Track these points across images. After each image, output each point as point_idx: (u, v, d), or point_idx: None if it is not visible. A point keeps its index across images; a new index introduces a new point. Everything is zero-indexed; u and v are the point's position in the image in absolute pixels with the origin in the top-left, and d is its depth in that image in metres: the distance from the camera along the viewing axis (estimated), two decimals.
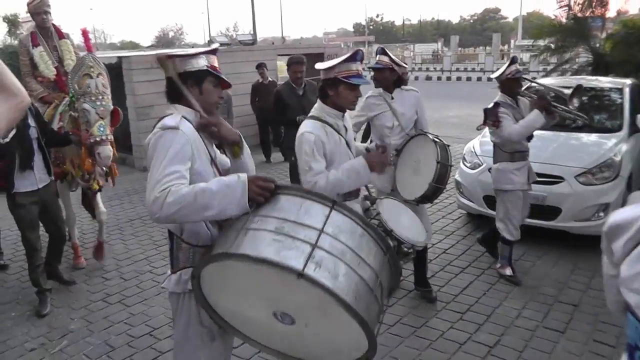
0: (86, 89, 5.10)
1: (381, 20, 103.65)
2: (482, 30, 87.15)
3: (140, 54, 12.38)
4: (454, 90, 28.01)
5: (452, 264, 6.01)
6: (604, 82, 8.65)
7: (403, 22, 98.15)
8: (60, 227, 5.44)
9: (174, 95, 2.58)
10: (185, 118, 2.49)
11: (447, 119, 16.81)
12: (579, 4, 12.29)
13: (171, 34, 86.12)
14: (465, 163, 7.16)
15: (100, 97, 5.14)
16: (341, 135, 3.49)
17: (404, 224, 3.26)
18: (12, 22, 46.71)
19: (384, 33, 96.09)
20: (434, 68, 43.47)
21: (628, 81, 8.18)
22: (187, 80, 2.53)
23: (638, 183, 6.94)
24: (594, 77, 9.65)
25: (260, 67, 10.94)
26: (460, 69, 41.81)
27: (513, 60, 5.44)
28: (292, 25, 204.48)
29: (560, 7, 12.83)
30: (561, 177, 6.20)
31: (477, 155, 6.95)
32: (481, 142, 7.26)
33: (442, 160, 4.27)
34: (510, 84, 5.33)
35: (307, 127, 3.39)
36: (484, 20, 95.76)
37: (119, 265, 6.22)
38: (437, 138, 4.45)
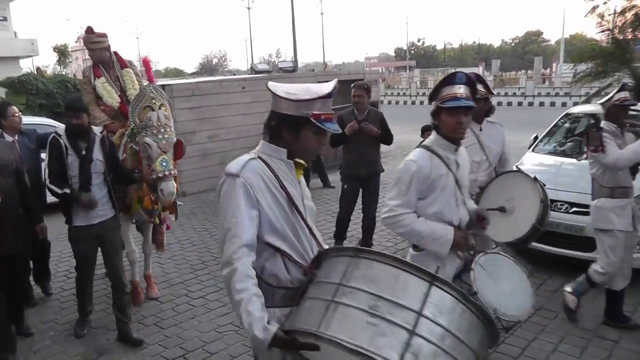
0: (147, 122, 4.84)
1: (422, 44, 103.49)
2: (523, 53, 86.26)
3: (183, 82, 12.68)
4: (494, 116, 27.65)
5: None
6: None
7: (444, 46, 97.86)
8: (119, 277, 5.06)
9: (271, 132, 2.47)
10: (261, 158, 2.41)
11: None
12: (619, 27, 12.04)
13: (215, 60, 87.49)
14: None
15: (163, 130, 4.87)
16: (450, 170, 3.20)
17: (505, 288, 2.97)
18: (62, 52, 48.19)
19: (425, 57, 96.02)
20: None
21: None
22: (285, 123, 2.39)
23: None
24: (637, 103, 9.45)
25: None
26: (501, 93, 41.45)
27: (623, 87, 5.06)
28: (334, 50, 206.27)
29: (602, 30, 12.61)
30: None
31: None
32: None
33: (545, 200, 4.09)
34: (616, 112, 4.97)
35: (413, 155, 3.22)
36: (525, 43, 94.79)
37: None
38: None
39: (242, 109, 11.96)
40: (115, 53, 6.18)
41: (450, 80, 3.14)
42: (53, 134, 4.85)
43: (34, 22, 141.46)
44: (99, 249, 5.05)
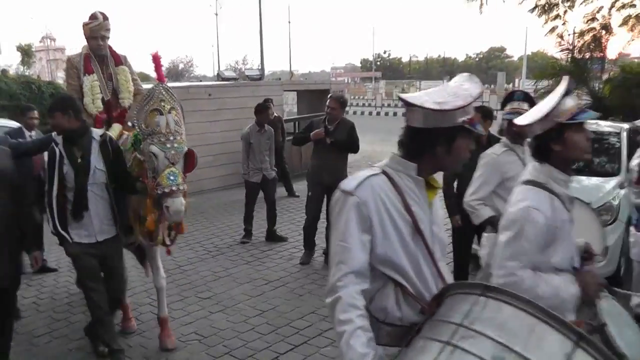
0: (154, 128, 4.11)
1: (388, 56, 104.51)
2: (487, 68, 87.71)
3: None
4: None
5: None
6: (603, 125, 8.78)
7: (410, 59, 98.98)
8: (118, 301, 4.80)
9: (414, 151, 2.15)
10: (386, 172, 2.14)
11: None
12: (578, 47, 12.53)
13: (181, 65, 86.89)
14: None
15: (172, 138, 4.14)
16: (567, 210, 2.58)
17: (630, 338, 2.40)
18: (26, 52, 47.48)
19: (391, 69, 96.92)
20: None
21: (625, 125, 8.35)
22: (437, 137, 2.08)
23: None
24: (593, 121, 9.79)
25: (266, 102, 11.03)
26: None
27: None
28: (300, 59, 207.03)
29: (561, 50, 13.09)
30: None
31: None
32: None
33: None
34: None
35: (531, 201, 2.50)
36: (489, 58, 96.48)
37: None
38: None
39: (208, 116, 11.94)
40: (110, 48, 5.43)
41: (568, 92, 2.61)
42: (51, 143, 4.31)
43: None
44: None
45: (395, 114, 40.55)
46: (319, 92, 13.82)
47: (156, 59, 4.46)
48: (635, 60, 25.69)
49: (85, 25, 5.20)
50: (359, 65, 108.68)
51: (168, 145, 4.13)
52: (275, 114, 11.20)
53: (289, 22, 61.97)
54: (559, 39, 12.65)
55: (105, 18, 5.19)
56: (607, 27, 11.83)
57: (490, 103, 38.73)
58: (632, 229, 4.92)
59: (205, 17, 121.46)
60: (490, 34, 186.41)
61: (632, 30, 11.85)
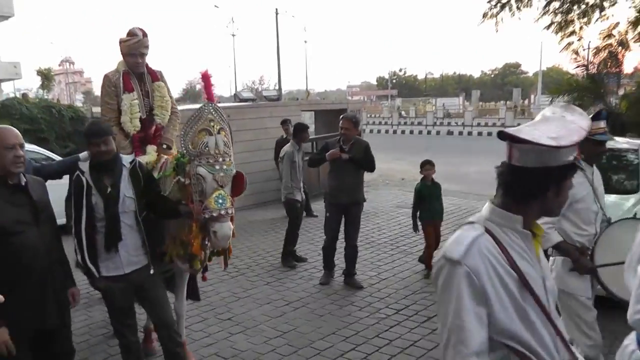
0: (202, 149, 3.94)
1: (404, 74, 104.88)
2: (502, 84, 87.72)
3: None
4: (474, 145, 28.18)
5: None
6: (621, 142, 8.76)
7: (425, 76, 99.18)
8: (169, 327, 4.32)
9: (520, 196, 1.93)
10: (487, 229, 1.93)
11: (469, 175, 16.86)
12: (594, 63, 12.54)
13: (198, 86, 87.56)
14: None
15: (221, 160, 3.97)
16: None
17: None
18: (46, 76, 48.24)
19: (406, 87, 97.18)
20: (455, 122, 43.78)
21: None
22: (550, 178, 1.88)
23: None
24: (610, 137, 9.77)
25: (284, 123, 11.16)
26: (482, 123, 42.05)
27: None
28: (316, 78, 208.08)
29: (577, 66, 13.10)
30: None
31: None
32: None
33: None
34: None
35: None
36: (504, 74, 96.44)
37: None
38: None
39: None
40: (146, 65, 5.24)
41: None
42: (77, 172, 3.94)
43: (16, 45, 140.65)
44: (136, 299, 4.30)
45: (411, 132, 40.63)
46: (335, 111, 13.88)
47: (206, 78, 4.29)
48: None
49: (122, 42, 5.00)
50: (375, 83, 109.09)
51: (217, 167, 3.95)
52: None
53: (305, 42, 62.48)
54: (575, 55, 12.66)
55: (145, 35, 5.01)
56: (623, 43, 11.80)
57: (507, 120, 38.87)
58: None
59: (223, 37, 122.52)
60: (505, 50, 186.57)
61: None
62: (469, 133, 37.19)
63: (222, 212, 3.92)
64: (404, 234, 9.67)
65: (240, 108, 12.91)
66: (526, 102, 57.83)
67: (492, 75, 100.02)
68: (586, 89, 12.28)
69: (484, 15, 11.49)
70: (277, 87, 32.72)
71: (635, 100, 11.60)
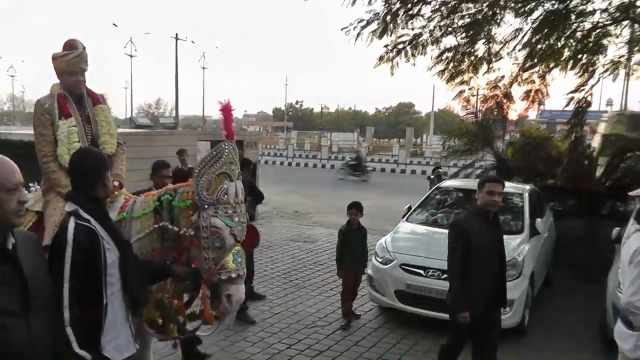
0: (221, 197, 3.31)
1: (300, 107, 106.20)
2: (396, 123, 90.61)
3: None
4: (368, 180, 28.86)
5: (362, 355, 6.21)
6: (507, 186, 9.30)
7: (321, 110, 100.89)
8: None
9: None
10: None
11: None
12: (482, 111, 13.34)
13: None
14: (377, 258, 7.47)
15: (240, 211, 3.42)
16: None
17: None
18: None
19: (302, 119, 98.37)
20: (350, 157, 44.68)
21: (527, 187, 8.99)
22: None
23: (539, 281, 7.46)
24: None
25: (180, 153, 10.83)
26: (375, 159, 43.12)
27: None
28: (213, 104, 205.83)
29: (467, 113, 13.87)
30: None
31: (388, 251, 7.28)
32: (393, 238, 7.73)
33: None
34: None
35: None
36: (398, 113, 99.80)
37: None
38: None
39: None
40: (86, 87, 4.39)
41: None
42: (75, 222, 2.86)
43: None
44: None
45: (306, 164, 41.06)
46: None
47: (227, 111, 3.59)
48: (533, 122, 27.49)
49: (58, 57, 4.09)
50: (272, 114, 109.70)
51: (236, 219, 3.37)
52: (189, 165, 11.09)
53: (204, 68, 61.89)
54: (465, 103, 13.40)
55: (84, 47, 4.17)
56: (508, 95, 12.62)
57: (400, 157, 40.15)
58: None
59: (119, 57, 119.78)
60: (400, 90, 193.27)
61: (532, 102, 12.72)
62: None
63: (241, 272, 3.38)
64: (298, 267, 9.73)
65: (135, 135, 12.57)
66: (419, 140, 60.09)
67: (387, 114, 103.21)
68: (475, 134, 13.03)
69: (381, 58, 11.86)
70: (173, 114, 32.19)
71: (519, 147, 12.42)
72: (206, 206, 3.32)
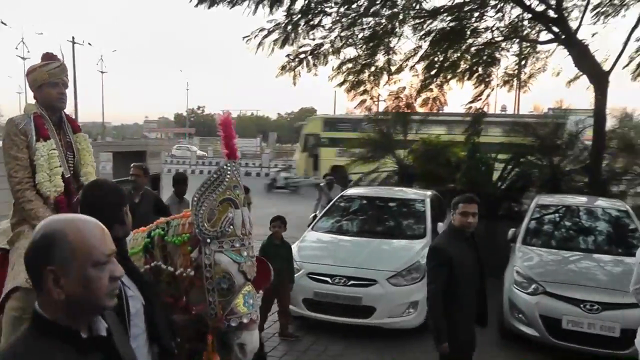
0: (226, 228, 2.79)
1: (202, 112, 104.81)
2: (299, 128, 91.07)
3: None
4: None
5: None
6: (409, 192, 9.78)
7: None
8: None
9: None
10: None
11: (270, 216, 17.08)
12: (384, 120, 13.84)
13: None
14: None
15: (248, 243, 2.90)
16: None
17: None
18: None
19: (205, 125, 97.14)
20: (253, 164, 44.57)
21: (428, 192, 9.39)
22: None
23: None
24: (399, 188, 10.79)
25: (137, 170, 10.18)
26: (279, 165, 43.28)
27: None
28: (113, 110, 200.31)
29: (369, 122, 14.36)
30: (374, 280, 6.83)
31: (295, 261, 7.34)
32: (299, 248, 7.84)
33: None
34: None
35: None
36: (300, 118, 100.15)
37: None
38: None
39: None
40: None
41: None
42: None
43: None
44: None
45: (209, 172, 40.53)
46: (134, 153, 13.50)
47: (227, 125, 3.00)
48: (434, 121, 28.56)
49: (37, 68, 3.64)
50: (173, 119, 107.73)
51: (244, 254, 2.86)
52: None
53: (102, 72, 59.77)
54: (368, 112, 13.80)
55: (59, 59, 3.77)
56: (410, 106, 13.12)
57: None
58: None
59: (10, 60, 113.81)
60: (302, 95, 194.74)
61: (430, 109, 13.30)
62: (267, 174, 38.04)
63: (254, 316, 2.87)
64: None
65: None
66: None
67: (289, 119, 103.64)
68: (377, 142, 13.48)
69: (283, 67, 12.01)
70: None
71: (420, 154, 12.96)
72: (208, 240, 2.78)
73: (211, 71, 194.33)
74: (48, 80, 3.59)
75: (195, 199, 2.81)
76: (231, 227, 2.79)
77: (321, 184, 14.41)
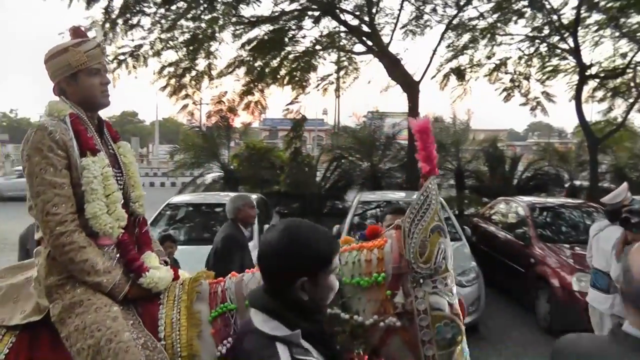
0: (440, 263, 2.17)
1: (15, 116, 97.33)
2: (121, 132, 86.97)
3: None
4: None
5: None
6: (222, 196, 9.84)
7: (39, 120, 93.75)
8: None
9: None
10: None
11: None
12: (207, 125, 13.92)
13: None
14: None
15: (450, 281, 2.23)
16: None
17: None
18: None
19: (20, 131, 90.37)
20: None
21: (254, 195, 9.51)
22: None
23: None
24: (225, 193, 10.81)
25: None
26: None
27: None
28: None
29: (192, 127, 14.32)
30: None
31: None
32: None
33: None
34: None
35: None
36: (122, 122, 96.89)
37: None
38: None
39: None
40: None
41: None
42: (291, 356, 1.69)
43: None
44: None
45: None
46: None
47: (425, 131, 2.23)
48: (257, 129, 28.95)
49: (69, 48, 2.42)
50: None
51: (454, 291, 2.24)
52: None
53: None
54: (190, 116, 13.79)
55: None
56: (232, 109, 13.31)
57: None
58: None
59: None
60: (122, 98, 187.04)
61: (253, 113, 13.65)
62: None
63: None
64: None
65: None
66: (145, 150, 59.05)
67: (111, 123, 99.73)
68: (202, 147, 13.45)
69: None
70: None
71: (244, 158, 13.17)
72: (421, 280, 2.18)
73: (23, 70, 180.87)
74: (87, 64, 2.42)
75: (407, 227, 2.19)
76: (444, 261, 2.19)
77: None
